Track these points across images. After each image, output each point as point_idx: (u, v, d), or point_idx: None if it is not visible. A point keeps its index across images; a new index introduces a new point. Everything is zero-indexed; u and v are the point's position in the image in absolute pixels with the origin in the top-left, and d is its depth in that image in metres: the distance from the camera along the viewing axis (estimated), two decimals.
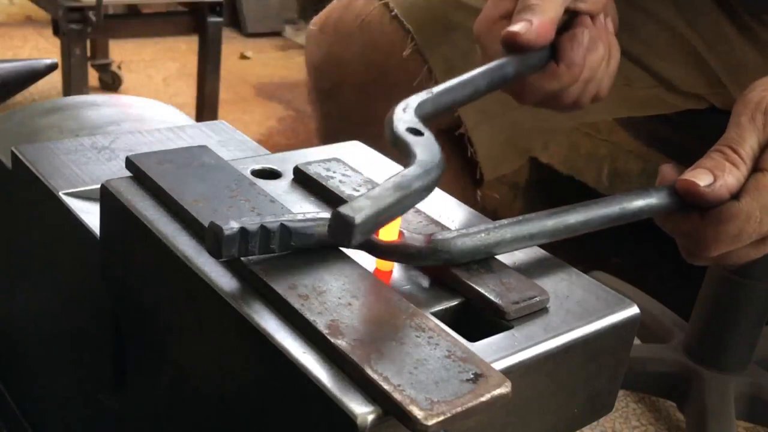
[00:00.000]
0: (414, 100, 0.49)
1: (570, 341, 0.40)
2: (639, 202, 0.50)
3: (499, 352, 0.38)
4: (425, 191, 0.41)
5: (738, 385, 1.22)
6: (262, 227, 0.38)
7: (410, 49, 0.80)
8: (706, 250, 0.52)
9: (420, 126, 0.45)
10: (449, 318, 0.40)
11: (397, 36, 0.81)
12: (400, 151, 0.44)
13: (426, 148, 0.43)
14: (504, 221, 0.45)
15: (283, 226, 0.39)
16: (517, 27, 0.56)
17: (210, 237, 0.38)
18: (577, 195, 0.62)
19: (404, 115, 0.46)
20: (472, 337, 0.38)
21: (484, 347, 0.38)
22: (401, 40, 0.81)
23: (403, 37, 0.81)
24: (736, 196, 0.51)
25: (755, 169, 0.52)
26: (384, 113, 0.45)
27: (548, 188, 1.91)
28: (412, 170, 0.40)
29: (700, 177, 0.50)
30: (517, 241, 0.44)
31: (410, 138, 0.44)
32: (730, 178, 0.51)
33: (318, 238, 0.40)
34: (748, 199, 0.50)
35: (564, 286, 0.44)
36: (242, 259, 0.39)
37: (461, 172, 0.88)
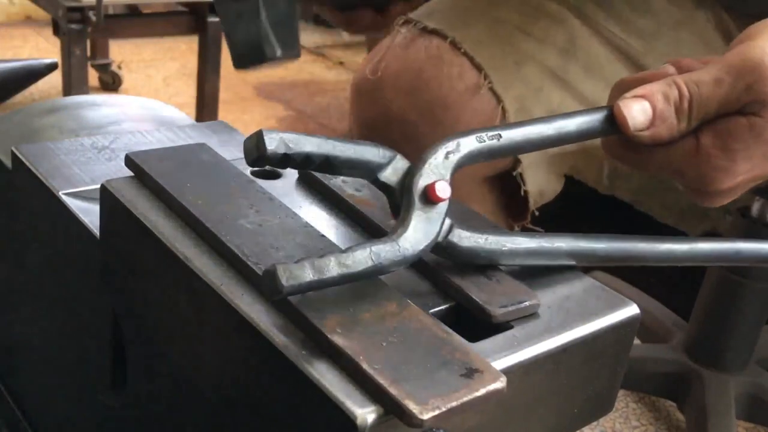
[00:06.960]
0: (469, 144, 0.42)
1: (570, 341, 0.40)
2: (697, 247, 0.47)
3: (499, 352, 0.38)
4: (388, 268, 0.37)
5: (738, 385, 1.22)
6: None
7: (485, 88, 0.74)
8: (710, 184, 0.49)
9: (444, 187, 0.39)
10: (450, 318, 0.40)
11: (468, 77, 0.75)
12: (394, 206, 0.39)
13: (425, 221, 0.39)
14: (521, 234, 0.43)
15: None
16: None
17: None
18: (576, 196, 0.61)
19: (444, 162, 0.40)
20: (474, 338, 0.38)
21: (484, 347, 0.38)
22: (472, 84, 0.75)
23: (473, 78, 0.75)
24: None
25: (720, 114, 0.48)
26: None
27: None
28: (385, 246, 0.37)
29: (637, 117, 0.48)
30: (532, 255, 0.43)
31: (419, 204, 0.39)
32: (664, 130, 0.48)
33: None
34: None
35: (564, 286, 0.43)
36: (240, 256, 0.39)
37: (498, 210, 0.84)
